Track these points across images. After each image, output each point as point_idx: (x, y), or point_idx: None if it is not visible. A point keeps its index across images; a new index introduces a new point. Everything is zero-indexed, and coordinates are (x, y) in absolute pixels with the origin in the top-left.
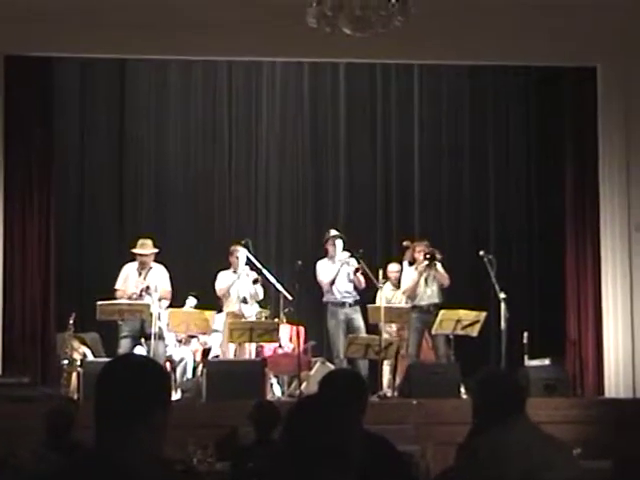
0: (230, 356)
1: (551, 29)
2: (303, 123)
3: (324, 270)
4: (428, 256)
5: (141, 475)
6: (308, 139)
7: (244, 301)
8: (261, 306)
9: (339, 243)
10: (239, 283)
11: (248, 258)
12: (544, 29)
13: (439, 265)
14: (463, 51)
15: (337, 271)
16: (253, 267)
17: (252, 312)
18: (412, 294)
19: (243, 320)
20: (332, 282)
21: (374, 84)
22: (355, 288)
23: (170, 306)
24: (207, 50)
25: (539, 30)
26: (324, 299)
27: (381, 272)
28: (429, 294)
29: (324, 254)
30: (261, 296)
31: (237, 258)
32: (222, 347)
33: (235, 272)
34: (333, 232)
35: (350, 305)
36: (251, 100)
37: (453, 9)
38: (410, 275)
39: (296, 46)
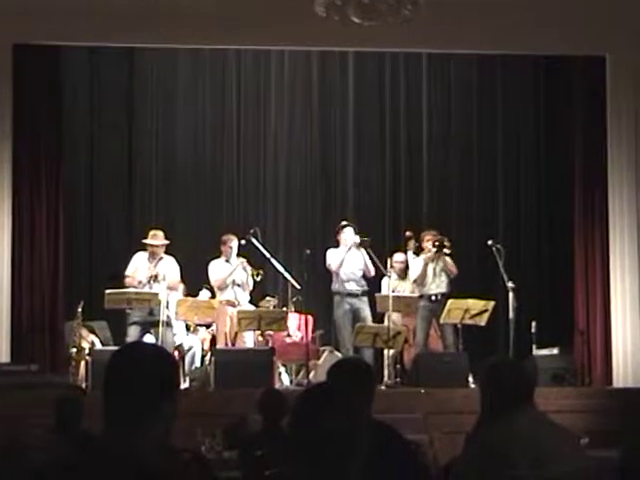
0: (228, 343)
1: (560, 18)
2: (312, 112)
3: (332, 256)
4: (437, 243)
5: (149, 464)
6: (317, 128)
7: (238, 285)
8: (270, 295)
9: (348, 231)
10: (234, 272)
11: (239, 248)
12: (553, 18)
13: (447, 255)
14: (472, 40)
15: (343, 257)
16: (262, 256)
17: (246, 298)
18: (421, 282)
19: (251, 309)
20: (339, 267)
21: (383, 73)
22: (364, 277)
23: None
24: (216, 39)
25: (548, 19)
26: (332, 288)
27: (388, 261)
28: (437, 284)
29: (336, 245)
30: (250, 287)
31: (230, 248)
32: (219, 334)
33: (227, 261)
34: (344, 223)
35: (357, 295)
36: (260, 89)
37: None
38: (418, 264)
39: (305, 35)
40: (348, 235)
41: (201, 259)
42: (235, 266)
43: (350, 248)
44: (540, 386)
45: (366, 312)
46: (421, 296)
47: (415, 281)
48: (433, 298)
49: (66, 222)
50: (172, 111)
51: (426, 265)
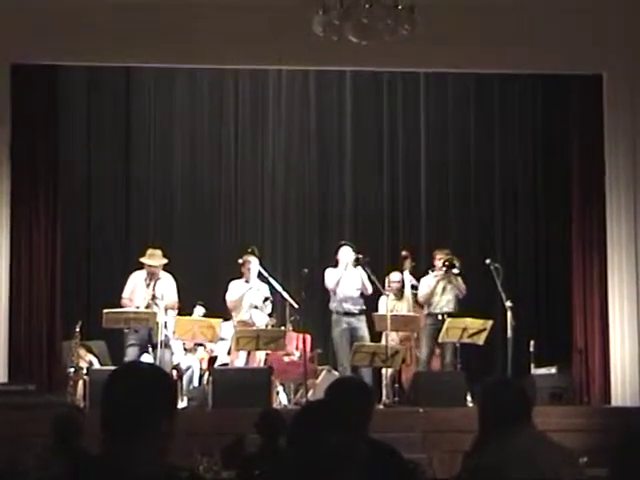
0: (241, 364)
1: (557, 37)
2: (309, 131)
3: (329, 275)
4: (447, 263)
5: None
6: (314, 147)
7: (255, 307)
8: (268, 314)
9: (344, 250)
10: (250, 293)
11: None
12: (550, 37)
13: (457, 275)
14: (469, 59)
15: (340, 276)
16: (259, 275)
17: (263, 320)
18: (427, 301)
19: (250, 328)
20: (335, 286)
21: (380, 92)
22: (362, 296)
23: (178, 315)
24: (213, 58)
25: (545, 38)
26: (330, 306)
27: (386, 281)
28: (444, 303)
29: (335, 264)
30: (269, 311)
31: (249, 270)
32: (232, 356)
33: (247, 282)
34: (341, 242)
35: (354, 314)
36: (257, 108)
37: (459, 17)
38: (427, 282)
39: (302, 54)
40: (343, 254)
41: (197, 279)
42: (247, 289)
43: (346, 267)
44: (538, 405)
45: (363, 331)
46: (428, 314)
47: (416, 300)
48: (439, 317)
49: (64, 242)
50: (170, 130)
51: (436, 284)
